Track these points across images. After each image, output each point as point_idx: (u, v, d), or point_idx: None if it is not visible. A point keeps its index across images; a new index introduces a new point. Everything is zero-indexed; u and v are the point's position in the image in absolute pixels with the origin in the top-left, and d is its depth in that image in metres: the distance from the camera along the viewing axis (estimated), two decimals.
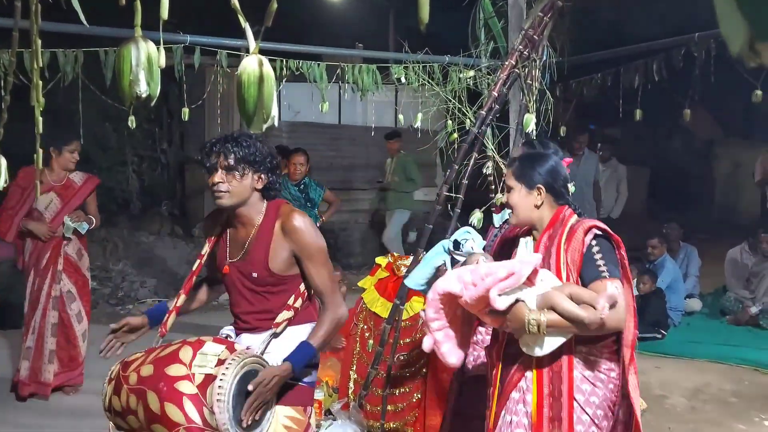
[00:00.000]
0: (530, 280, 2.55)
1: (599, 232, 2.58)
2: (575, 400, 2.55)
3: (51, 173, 5.26)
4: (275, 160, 2.85)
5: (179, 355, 2.47)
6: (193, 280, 2.99)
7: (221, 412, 2.37)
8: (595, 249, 2.54)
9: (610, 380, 2.60)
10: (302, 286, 2.87)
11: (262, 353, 2.71)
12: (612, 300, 2.40)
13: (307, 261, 2.79)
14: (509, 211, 2.96)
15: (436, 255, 3.49)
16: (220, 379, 2.39)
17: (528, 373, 2.64)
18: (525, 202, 2.75)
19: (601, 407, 2.57)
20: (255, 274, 2.80)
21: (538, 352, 2.55)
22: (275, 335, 2.79)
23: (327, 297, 2.82)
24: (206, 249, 2.95)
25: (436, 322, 2.68)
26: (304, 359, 2.70)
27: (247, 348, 2.70)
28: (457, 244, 3.24)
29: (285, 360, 2.66)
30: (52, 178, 5.27)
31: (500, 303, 2.49)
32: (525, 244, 2.81)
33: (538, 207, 2.74)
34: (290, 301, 2.82)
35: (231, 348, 2.54)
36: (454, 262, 3.13)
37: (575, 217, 2.73)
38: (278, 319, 2.79)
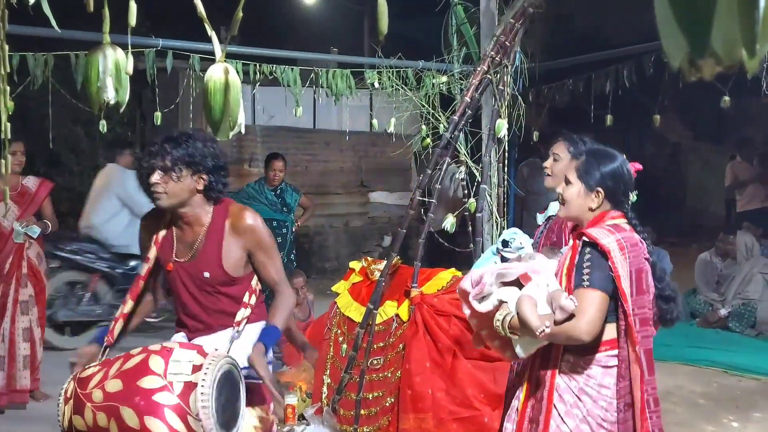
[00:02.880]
0: (524, 279, 2.58)
1: (588, 240, 2.47)
2: (555, 407, 2.52)
3: (1, 180, 5.07)
4: (218, 160, 2.81)
5: (149, 365, 2.40)
6: (140, 285, 2.91)
7: (207, 417, 2.35)
8: (586, 257, 2.46)
9: (600, 397, 2.49)
10: (254, 283, 2.91)
11: (228, 353, 2.70)
12: (564, 313, 2.39)
13: (262, 255, 2.85)
14: (554, 204, 2.91)
15: (485, 260, 3.49)
16: (202, 386, 2.36)
17: (524, 375, 2.69)
18: (581, 201, 2.61)
19: (586, 422, 2.49)
20: (207, 274, 2.80)
21: (520, 353, 2.59)
22: (238, 333, 2.81)
23: (281, 285, 2.91)
24: (153, 252, 2.88)
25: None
26: (273, 340, 2.78)
27: (216, 350, 2.67)
28: (506, 243, 3.26)
29: (257, 343, 2.70)
30: (2, 187, 5.05)
31: (482, 307, 2.59)
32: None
33: (592, 210, 2.60)
34: (246, 299, 2.86)
35: (201, 352, 2.50)
36: (504, 262, 3.12)
37: (622, 221, 2.58)
38: (237, 317, 2.83)
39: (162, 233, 2.89)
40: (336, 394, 4.59)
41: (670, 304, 2.61)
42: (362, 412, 4.48)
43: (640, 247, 2.52)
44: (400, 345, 4.42)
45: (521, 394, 2.68)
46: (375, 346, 4.53)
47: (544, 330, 2.38)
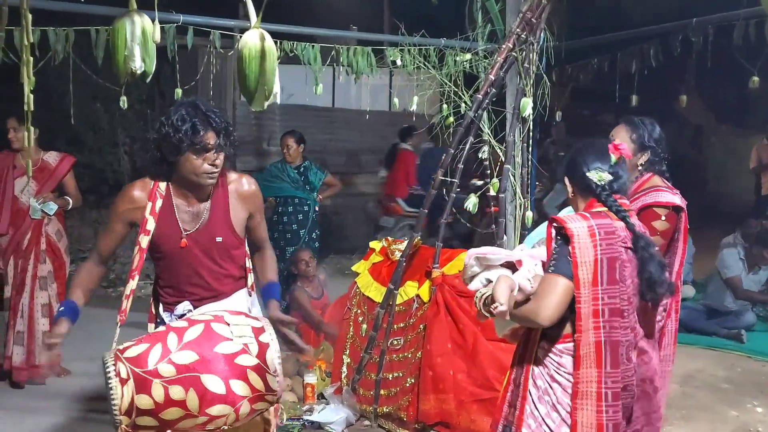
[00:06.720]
0: (518, 264, 2.66)
1: (558, 225, 2.50)
2: (529, 392, 2.57)
3: (21, 156, 5.00)
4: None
5: (216, 332, 2.46)
6: (143, 258, 2.86)
7: (281, 372, 2.49)
8: (559, 243, 2.49)
9: (570, 385, 2.50)
10: (246, 247, 3.04)
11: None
12: (522, 294, 2.50)
13: (259, 217, 3.03)
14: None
15: (538, 235, 3.46)
16: (273, 342, 2.49)
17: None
18: (569, 196, 2.74)
19: (555, 410, 2.52)
20: (220, 238, 2.86)
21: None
22: (252, 297, 3.00)
23: (267, 242, 3.15)
24: (152, 224, 2.81)
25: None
26: (278, 293, 3.04)
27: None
28: None
29: (269, 300, 2.93)
30: (24, 161, 4.98)
31: (470, 286, 2.75)
32: None
33: (572, 198, 2.70)
34: (247, 264, 3.01)
35: (247, 315, 2.61)
36: None
37: (602, 209, 2.58)
38: (249, 281, 3.02)
39: (158, 204, 2.81)
40: (356, 373, 4.58)
41: (646, 286, 2.54)
42: (382, 392, 4.47)
43: (620, 235, 2.48)
44: (421, 325, 4.39)
45: (505, 378, 2.74)
46: (395, 326, 4.50)
47: (497, 306, 2.44)
